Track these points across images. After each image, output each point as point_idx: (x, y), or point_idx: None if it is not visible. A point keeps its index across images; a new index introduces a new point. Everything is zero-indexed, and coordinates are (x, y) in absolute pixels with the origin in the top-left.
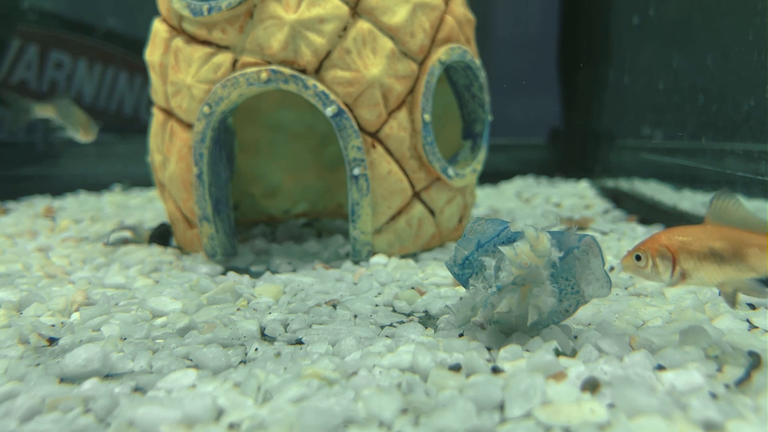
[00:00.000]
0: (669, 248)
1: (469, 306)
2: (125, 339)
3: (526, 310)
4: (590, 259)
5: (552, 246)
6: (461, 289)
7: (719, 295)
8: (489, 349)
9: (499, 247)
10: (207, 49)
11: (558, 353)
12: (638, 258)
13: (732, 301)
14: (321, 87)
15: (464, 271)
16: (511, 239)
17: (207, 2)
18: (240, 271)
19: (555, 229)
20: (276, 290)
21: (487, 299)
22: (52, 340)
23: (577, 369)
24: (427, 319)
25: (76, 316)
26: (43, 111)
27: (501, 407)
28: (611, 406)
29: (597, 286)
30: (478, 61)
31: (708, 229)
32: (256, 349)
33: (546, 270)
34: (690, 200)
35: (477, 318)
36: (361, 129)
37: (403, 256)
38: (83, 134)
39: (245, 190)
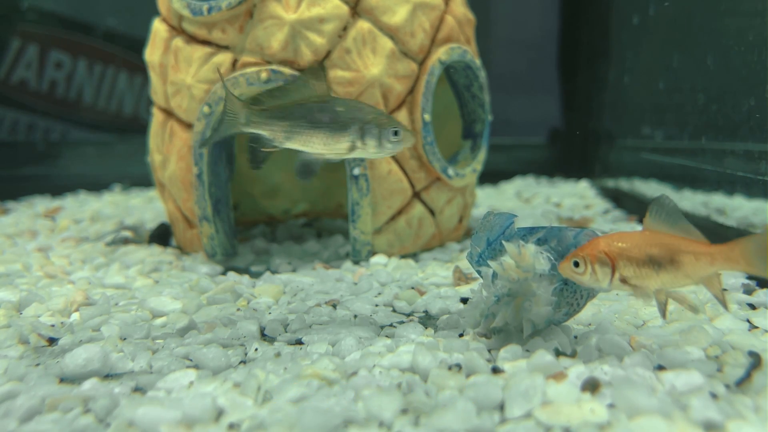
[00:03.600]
0: (608, 254)
1: (477, 310)
2: (125, 339)
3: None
4: None
5: (540, 256)
6: (461, 289)
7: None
8: (489, 349)
9: (488, 261)
10: (207, 49)
11: (558, 353)
12: (576, 264)
13: (663, 310)
14: None
15: (481, 269)
16: (517, 236)
17: (207, 2)
18: (240, 271)
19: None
20: (276, 290)
21: (489, 309)
22: (52, 340)
23: (577, 369)
24: (427, 319)
25: (75, 316)
26: None
27: (501, 407)
28: (611, 406)
29: None
30: (478, 61)
31: (646, 235)
32: (256, 350)
33: (537, 282)
34: (690, 200)
35: (479, 329)
36: None
37: (403, 256)
38: None
39: (245, 190)
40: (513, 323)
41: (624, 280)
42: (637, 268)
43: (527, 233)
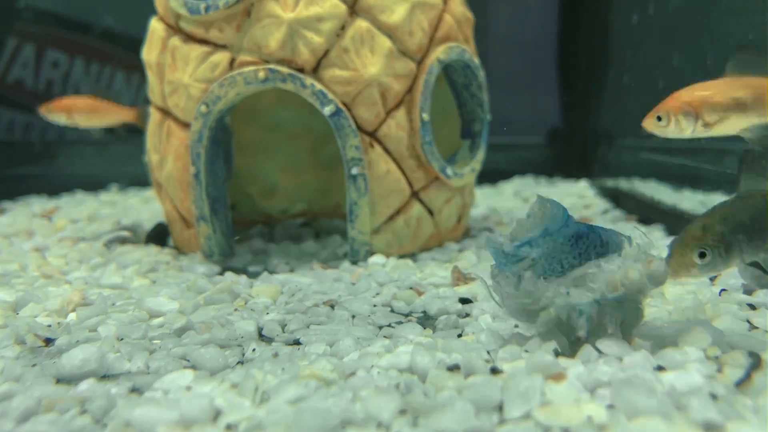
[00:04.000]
0: (691, 104)
1: (528, 295)
2: (122, 339)
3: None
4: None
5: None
6: (460, 289)
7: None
8: (488, 350)
9: (602, 265)
10: (204, 48)
11: (557, 354)
12: (659, 119)
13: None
14: (319, 86)
15: (518, 252)
16: (580, 235)
17: (204, 1)
18: (237, 271)
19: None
20: (274, 290)
21: (586, 309)
22: (49, 341)
23: (576, 369)
24: (426, 320)
25: (72, 316)
26: None
27: (500, 408)
28: (611, 407)
29: None
30: (476, 60)
31: (728, 81)
32: (254, 350)
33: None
34: (690, 200)
35: (580, 333)
36: (359, 128)
37: (401, 256)
38: None
39: (243, 189)
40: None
41: (707, 125)
42: (722, 113)
43: (587, 227)
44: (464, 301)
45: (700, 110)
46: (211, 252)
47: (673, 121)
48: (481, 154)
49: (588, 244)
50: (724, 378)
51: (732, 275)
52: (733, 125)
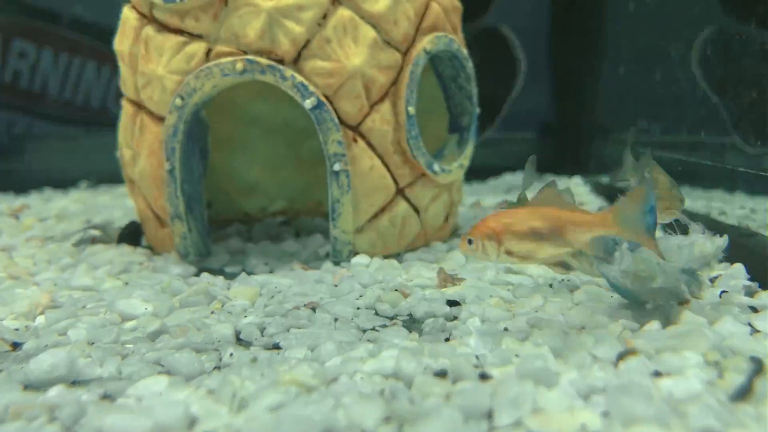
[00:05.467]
0: (494, 230)
1: (643, 262)
2: (93, 343)
3: None
4: None
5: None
6: (448, 291)
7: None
8: (476, 355)
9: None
10: (179, 38)
11: (549, 358)
12: (470, 242)
13: (563, 268)
14: (299, 78)
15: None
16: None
17: None
18: (214, 272)
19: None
20: (252, 292)
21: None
22: (16, 345)
23: (569, 375)
24: (412, 323)
25: (41, 319)
26: None
27: (489, 415)
28: (605, 414)
29: None
30: (465, 51)
31: (530, 211)
32: (231, 354)
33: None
34: (689, 197)
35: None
36: (342, 122)
37: (386, 257)
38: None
39: (220, 186)
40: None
41: (509, 253)
42: (519, 241)
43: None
44: (452, 303)
45: (501, 238)
46: (186, 252)
47: (480, 245)
48: (469, 149)
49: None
50: (724, 384)
51: (733, 277)
52: (534, 254)
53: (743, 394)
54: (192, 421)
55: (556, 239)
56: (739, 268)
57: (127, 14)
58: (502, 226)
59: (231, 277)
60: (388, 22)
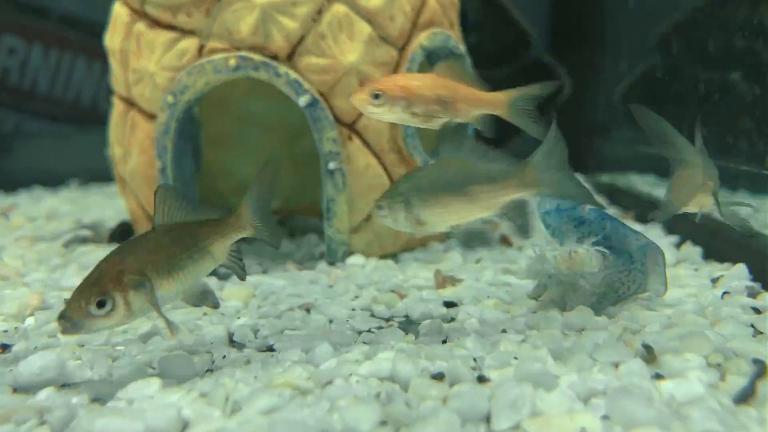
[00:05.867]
0: (404, 89)
1: (532, 274)
2: (83, 346)
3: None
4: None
5: (591, 259)
6: (444, 292)
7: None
8: (474, 357)
9: (546, 247)
10: (171, 34)
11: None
12: (376, 96)
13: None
14: (294, 75)
15: (544, 218)
16: (583, 221)
17: None
18: None
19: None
20: (245, 293)
21: (541, 280)
22: (5, 347)
23: (569, 378)
24: (408, 324)
25: (30, 321)
26: None
27: (487, 419)
28: (605, 417)
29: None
30: (462, 47)
31: (436, 79)
32: (224, 357)
33: (584, 278)
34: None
35: (531, 292)
36: (337, 120)
37: (382, 257)
38: None
39: (212, 185)
40: (558, 302)
41: (414, 114)
42: (426, 106)
43: (600, 217)
44: (449, 304)
45: (412, 100)
46: None
47: (387, 103)
48: None
49: (589, 231)
50: (726, 386)
51: (735, 278)
52: (433, 118)
53: (746, 396)
54: (184, 425)
55: (453, 110)
56: (741, 268)
57: (119, 10)
58: (414, 88)
59: (224, 277)
60: (384, 18)
